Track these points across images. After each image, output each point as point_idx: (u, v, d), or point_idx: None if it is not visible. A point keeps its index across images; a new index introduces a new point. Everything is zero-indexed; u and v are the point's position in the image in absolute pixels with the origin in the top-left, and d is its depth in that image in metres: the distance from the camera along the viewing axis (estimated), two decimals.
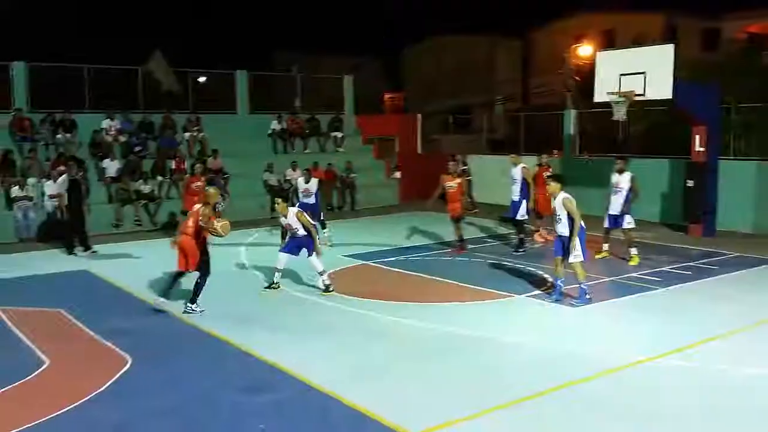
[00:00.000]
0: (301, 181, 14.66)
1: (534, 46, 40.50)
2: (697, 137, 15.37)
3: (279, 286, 10.62)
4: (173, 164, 18.93)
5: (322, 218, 14.38)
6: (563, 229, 9.47)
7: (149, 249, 14.51)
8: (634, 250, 12.41)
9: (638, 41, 28.42)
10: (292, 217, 10.33)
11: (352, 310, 9.52)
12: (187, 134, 20.26)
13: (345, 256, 13.43)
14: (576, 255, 9.38)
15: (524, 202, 13.67)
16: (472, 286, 10.74)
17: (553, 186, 9.59)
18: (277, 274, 10.64)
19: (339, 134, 23.12)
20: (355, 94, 24.92)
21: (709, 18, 35.93)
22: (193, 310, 9.32)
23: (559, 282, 9.76)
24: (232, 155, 19.77)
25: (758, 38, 33.37)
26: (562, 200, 9.45)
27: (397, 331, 8.62)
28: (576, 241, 9.33)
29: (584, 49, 27.57)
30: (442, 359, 7.48)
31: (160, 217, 17.71)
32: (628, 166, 12.76)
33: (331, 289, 10.38)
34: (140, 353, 7.66)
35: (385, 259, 12.99)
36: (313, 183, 14.55)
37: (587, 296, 9.60)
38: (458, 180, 13.92)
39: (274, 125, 21.90)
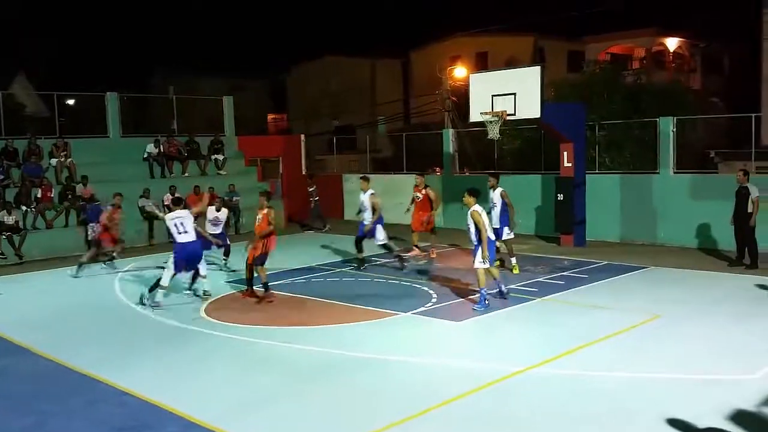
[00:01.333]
0: (212, 209, 14.04)
1: (413, 67, 41.59)
2: (565, 153, 16.27)
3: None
4: (39, 192, 17.76)
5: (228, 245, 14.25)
6: (474, 239, 10.09)
7: (14, 284, 13.48)
8: (513, 260, 13.03)
9: (511, 63, 29.93)
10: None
11: (235, 338, 9.24)
12: (53, 160, 19.09)
13: (228, 282, 13.07)
14: (480, 262, 9.99)
15: (378, 226, 13.68)
16: (359, 306, 10.75)
17: (467, 199, 10.19)
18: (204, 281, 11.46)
19: (220, 156, 22.57)
20: (237, 115, 24.49)
21: (574, 41, 38.39)
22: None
23: (483, 291, 10.24)
24: (105, 181, 18.79)
25: (619, 59, 35.97)
26: (471, 213, 10.06)
27: (283, 357, 8.45)
28: (485, 250, 9.89)
29: (459, 71, 28.57)
30: (328, 383, 7.39)
31: (27, 250, 16.55)
32: (500, 182, 13.26)
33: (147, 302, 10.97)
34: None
35: (270, 283, 12.75)
36: (223, 213, 14.17)
37: (486, 302, 10.19)
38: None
39: (150, 149, 21.06)
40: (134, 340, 9.38)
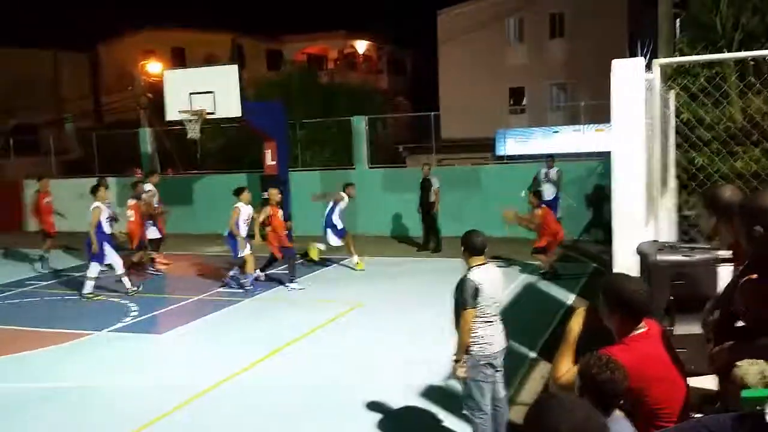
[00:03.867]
0: None
1: (103, 61, 38.49)
2: (269, 152, 16.37)
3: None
4: None
5: None
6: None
7: None
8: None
9: (209, 60, 29.27)
10: None
11: None
12: None
13: None
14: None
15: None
16: (46, 329, 9.52)
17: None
18: None
19: None
20: None
21: (271, 40, 39.02)
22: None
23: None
24: None
25: (315, 59, 37.48)
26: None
27: None
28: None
29: (154, 66, 27.15)
30: (10, 424, 6.34)
31: None
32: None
33: None
34: None
35: None
36: None
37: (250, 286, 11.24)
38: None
39: None
40: None
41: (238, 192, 11.70)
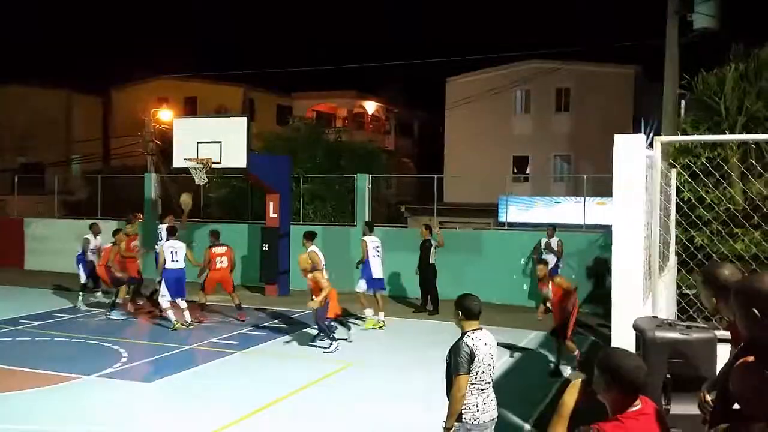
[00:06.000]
0: None
1: (115, 105, 39.13)
2: (271, 204, 16.46)
3: None
4: None
5: None
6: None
7: None
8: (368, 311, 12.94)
9: (220, 111, 29.78)
10: None
11: None
12: None
13: None
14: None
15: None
16: (30, 370, 9.36)
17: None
18: None
19: None
20: None
21: (282, 95, 39.77)
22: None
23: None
24: None
25: (324, 117, 38.10)
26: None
27: None
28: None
29: (165, 114, 27.59)
30: None
31: None
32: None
33: None
34: None
35: None
36: None
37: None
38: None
39: None
40: None
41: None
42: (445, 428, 4.94)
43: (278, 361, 10.25)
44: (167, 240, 12.59)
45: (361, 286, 12.86)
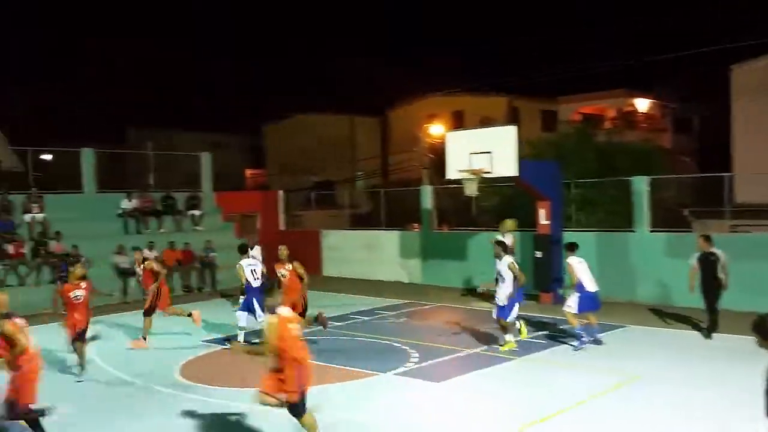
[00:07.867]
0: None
1: (392, 124, 42.23)
2: (542, 211, 16.42)
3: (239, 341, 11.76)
4: (11, 249, 17.44)
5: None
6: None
7: None
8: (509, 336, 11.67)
9: (485, 122, 30.46)
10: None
11: (213, 401, 8.98)
12: (27, 216, 18.82)
13: (204, 341, 12.78)
14: (568, 306, 11.61)
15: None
16: (338, 366, 10.55)
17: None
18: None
19: (197, 212, 22.44)
20: (215, 171, 24.48)
21: (546, 101, 39.34)
22: None
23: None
24: (80, 237, 18.52)
25: (591, 118, 36.87)
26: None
27: (268, 420, 8.05)
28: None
29: (436, 128, 29.01)
30: None
31: None
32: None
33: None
34: None
35: (252, 341, 12.50)
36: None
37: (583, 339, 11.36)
38: (289, 266, 12.24)
39: (125, 204, 20.88)
40: (112, 406, 9.08)
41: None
42: None
43: (560, 371, 10.20)
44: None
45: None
